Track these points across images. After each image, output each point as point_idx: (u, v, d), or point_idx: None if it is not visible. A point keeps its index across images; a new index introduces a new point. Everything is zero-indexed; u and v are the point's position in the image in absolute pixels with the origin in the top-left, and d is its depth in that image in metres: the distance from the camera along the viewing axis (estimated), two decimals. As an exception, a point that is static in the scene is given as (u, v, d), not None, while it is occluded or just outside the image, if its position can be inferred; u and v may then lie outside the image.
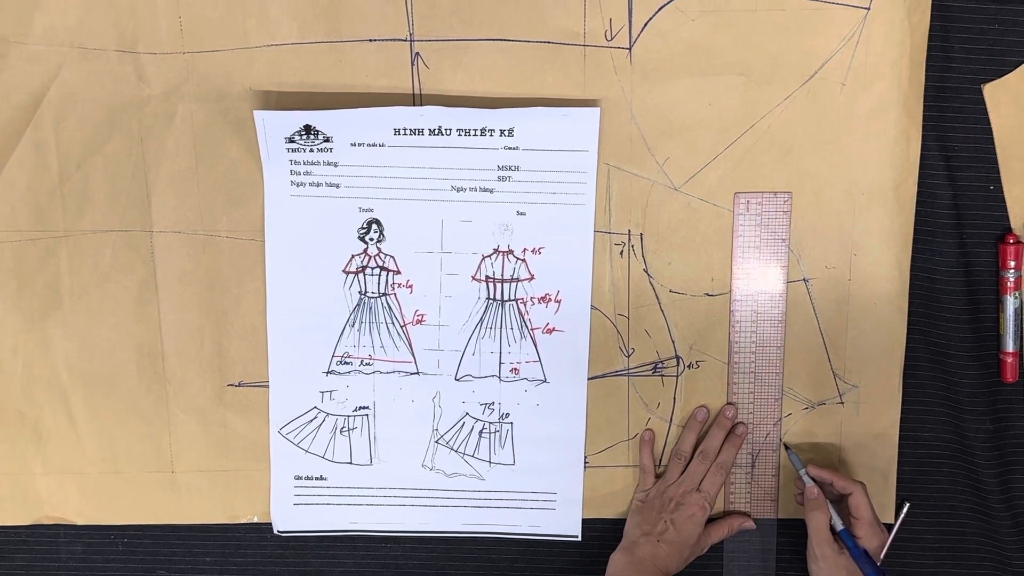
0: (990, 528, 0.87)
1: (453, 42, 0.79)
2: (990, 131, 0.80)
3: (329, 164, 0.81)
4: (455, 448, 0.86)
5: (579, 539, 0.88)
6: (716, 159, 0.81)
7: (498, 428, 0.86)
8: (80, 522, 0.89)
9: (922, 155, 0.80)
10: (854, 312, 0.83)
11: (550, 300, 0.84)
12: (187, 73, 0.80)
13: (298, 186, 0.81)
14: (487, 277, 0.83)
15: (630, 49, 0.79)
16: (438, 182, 0.81)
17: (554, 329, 0.84)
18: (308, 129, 0.79)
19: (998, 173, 0.81)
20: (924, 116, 0.80)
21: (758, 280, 0.83)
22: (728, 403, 0.85)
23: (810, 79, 0.79)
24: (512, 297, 0.84)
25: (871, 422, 0.85)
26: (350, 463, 0.87)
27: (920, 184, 0.81)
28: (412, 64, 0.80)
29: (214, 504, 0.88)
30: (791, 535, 0.87)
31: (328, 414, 0.86)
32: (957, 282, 0.82)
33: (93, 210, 0.83)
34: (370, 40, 0.79)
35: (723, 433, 0.84)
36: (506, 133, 0.79)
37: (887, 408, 0.85)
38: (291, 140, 0.79)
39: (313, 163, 0.81)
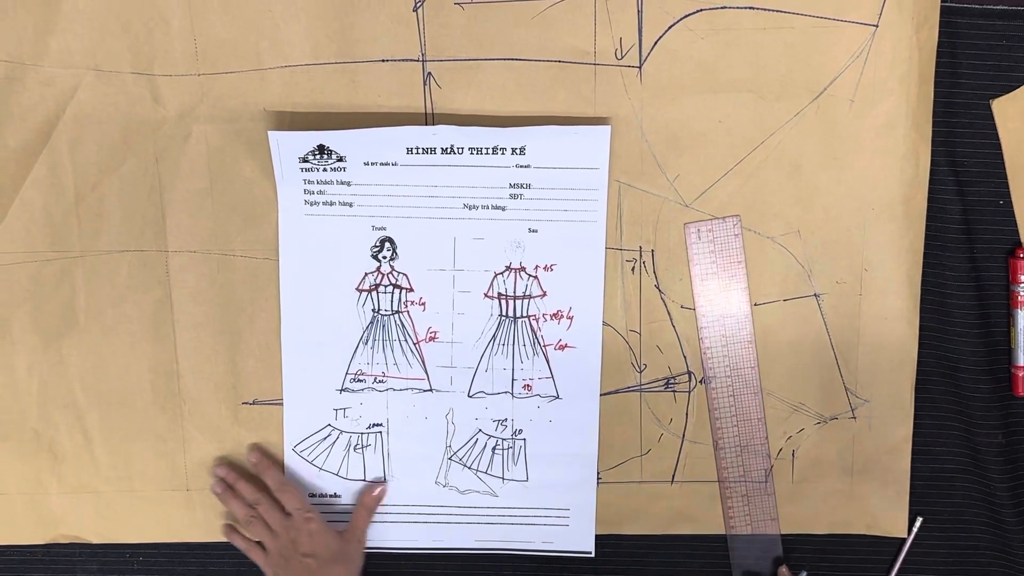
0: (1003, 542, 0.87)
1: (465, 62, 0.80)
2: (999, 146, 0.81)
3: (342, 183, 0.81)
4: (468, 465, 0.87)
5: (592, 555, 0.88)
6: (726, 176, 0.81)
7: (511, 444, 0.86)
8: (96, 541, 0.89)
9: (932, 170, 0.81)
10: (865, 327, 0.83)
11: (562, 317, 0.84)
12: (202, 95, 0.81)
13: (312, 205, 0.82)
14: (499, 294, 0.84)
15: (640, 67, 0.80)
16: (450, 200, 0.82)
17: (566, 345, 0.84)
18: (321, 149, 0.80)
19: (1007, 188, 0.81)
20: (933, 132, 0.80)
21: (721, 304, 0.84)
22: None
23: (819, 96, 0.80)
24: (524, 314, 0.84)
25: (883, 437, 0.85)
26: (364, 480, 0.87)
27: (930, 199, 0.81)
28: (424, 84, 0.80)
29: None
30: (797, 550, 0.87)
31: (342, 431, 0.86)
32: (968, 296, 0.83)
33: (109, 230, 0.83)
34: (383, 60, 0.80)
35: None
36: (518, 151, 0.80)
37: (899, 423, 0.85)
38: (305, 160, 0.80)
39: (327, 182, 0.81)
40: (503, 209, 0.82)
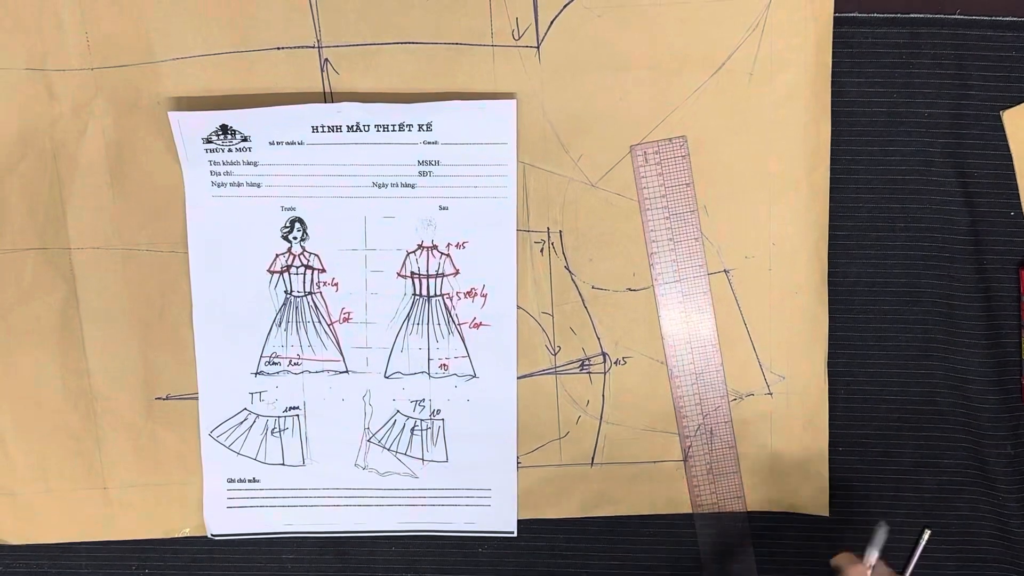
0: (1012, 554, 0.86)
1: (361, 47, 0.79)
2: (1009, 157, 0.80)
3: (249, 164, 0.81)
4: (387, 446, 0.86)
5: (515, 535, 0.87)
6: (630, 154, 0.81)
7: (429, 425, 0.86)
8: (15, 542, 0.88)
9: (939, 182, 0.81)
10: (776, 302, 0.83)
11: (476, 295, 0.83)
12: (96, 89, 0.80)
13: (219, 187, 0.81)
14: (412, 273, 0.83)
15: (538, 47, 0.79)
16: (359, 179, 0.81)
17: (481, 324, 0.84)
18: (225, 129, 0.79)
19: (1018, 199, 0.81)
20: (942, 144, 0.80)
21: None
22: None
23: (718, 71, 0.79)
24: (438, 292, 0.83)
25: (800, 413, 0.85)
26: (282, 464, 0.87)
27: (938, 211, 0.81)
28: (322, 70, 0.80)
29: (148, 519, 0.88)
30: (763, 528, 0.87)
31: (258, 415, 0.86)
32: (976, 308, 0.82)
33: (11, 229, 0.83)
34: (278, 48, 0.79)
35: None
36: (424, 128, 0.79)
37: (816, 399, 0.84)
38: (209, 141, 0.80)
39: (232, 163, 0.81)
40: (412, 187, 0.81)
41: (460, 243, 0.82)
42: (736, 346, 0.84)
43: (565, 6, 0.78)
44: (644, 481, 0.86)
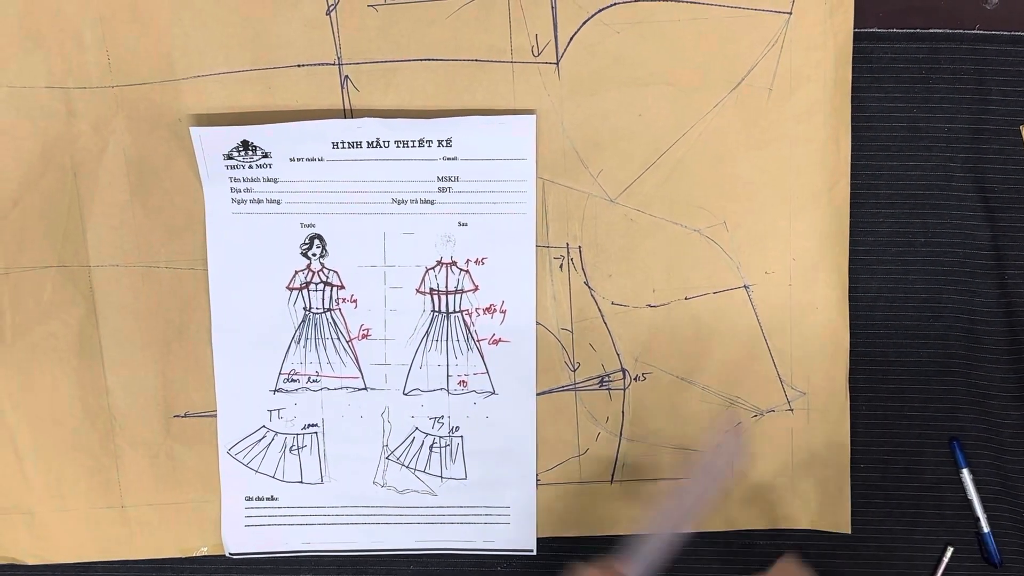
0: None
1: (381, 64, 0.79)
2: None
3: (269, 180, 0.81)
4: (406, 464, 0.86)
5: (534, 553, 0.87)
6: (649, 170, 0.81)
7: (448, 442, 0.86)
8: (31, 562, 0.88)
9: (960, 197, 0.80)
10: (796, 317, 0.83)
11: (495, 311, 0.83)
12: (117, 107, 0.80)
13: (239, 203, 0.81)
14: (431, 289, 0.83)
15: (557, 64, 0.79)
16: (378, 195, 0.81)
17: (500, 340, 0.84)
18: (246, 145, 0.79)
19: None
20: (962, 159, 0.80)
21: None
22: None
23: (737, 86, 0.79)
24: (457, 309, 0.83)
25: (821, 429, 0.84)
26: (301, 482, 0.86)
27: (958, 226, 0.81)
28: (342, 87, 0.80)
29: (166, 538, 0.87)
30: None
31: (277, 433, 0.86)
32: (998, 322, 0.82)
33: (32, 247, 0.83)
34: (298, 66, 0.80)
35: None
36: (444, 144, 0.80)
37: (837, 415, 0.84)
38: (230, 157, 0.80)
39: (253, 179, 0.81)
40: (432, 203, 0.81)
41: (479, 259, 0.82)
42: (756, 362, 0.83)
43: (584, 23, 0.79)
44: (665, 499, 0.86)
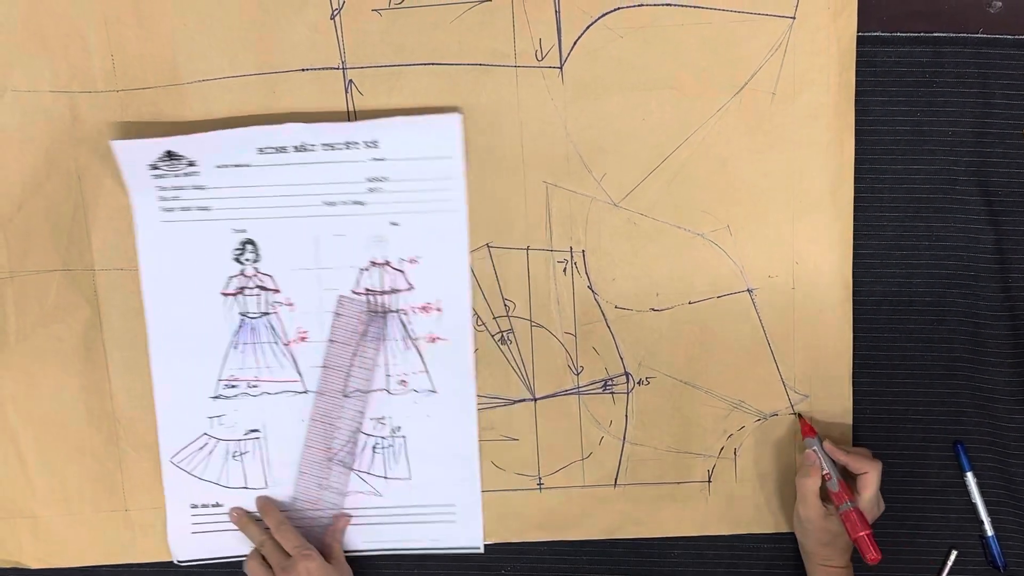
0: None
1: (386, 68, 0.80)
2: None
3: (197, 188, 0.81)
4: (350, 465, 0.86)
5: (481, 551, 0.87)
6: (653, 173, 0.81)
7: (391, 443, 0.86)
8: (35, 566, 0.88)
9: (963, 200, 0.81)
10: (800, 321, 0.83)
11: (431, 309, 0.83)
12: (122, 111, 0.80)
13: (168, 211, 0.81)
14: (366, 290, 0.83)
15: (561, 68, 0.79)
16: (308, 198, 0.81)
17: (437, 338, 0.84)
18: (170, 155, 0.79)
19: None
20: (966, 162, 0.80)
21: None
22: None
23: (740, 90, 0.79)
24: (393, 308, 0.83)
25: (825, 432, 0.84)
26: (245, 487, 0.86)
27: (962, 229, 0.81)
28: (346, 91, 0.80)
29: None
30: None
31: (219, 439, 0.86)
32: (1002, 326, 0.82)
33: (36, 251, 0.83)
34: (303, 70, 0.80)
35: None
36: (371, 145, 0.80)
37: (840, 418, 0.84)
38: (155, 167, 0.80)
39: (180, 188, 0.81)
40: (362, 204, 0.81)
41: (412, 258, 0.82)
42: (760, 365, 0.83)
43: (588, 27, 0.79)
44: (668, 502, 0.86)
